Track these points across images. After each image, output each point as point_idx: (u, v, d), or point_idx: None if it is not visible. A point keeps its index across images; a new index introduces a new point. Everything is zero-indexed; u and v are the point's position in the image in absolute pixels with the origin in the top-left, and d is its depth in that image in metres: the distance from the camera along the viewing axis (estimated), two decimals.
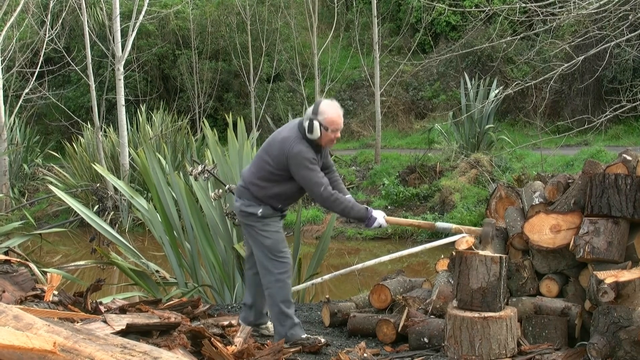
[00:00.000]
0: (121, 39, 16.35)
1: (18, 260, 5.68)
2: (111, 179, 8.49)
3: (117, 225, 15.10)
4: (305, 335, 4.84)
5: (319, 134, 4.70)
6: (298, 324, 4.84)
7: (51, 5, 18.12)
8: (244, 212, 4.83)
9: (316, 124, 4.68)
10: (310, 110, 4.78)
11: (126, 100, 17.42)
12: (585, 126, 11.12)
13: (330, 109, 4.76)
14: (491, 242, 4.76)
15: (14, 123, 19.92)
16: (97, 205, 15.49)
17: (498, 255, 4.35)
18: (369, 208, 4.85)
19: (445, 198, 14.44)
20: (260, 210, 4.76)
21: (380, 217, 4.81)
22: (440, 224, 5.22)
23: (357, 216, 4.81)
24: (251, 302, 5.09)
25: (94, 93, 16.62)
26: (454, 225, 5.18)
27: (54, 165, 18.74)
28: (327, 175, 4.91)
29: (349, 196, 4.94)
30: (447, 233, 5.70)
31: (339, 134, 4.84)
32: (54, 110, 21.96)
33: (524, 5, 9.44)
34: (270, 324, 5.14)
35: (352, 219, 4.86)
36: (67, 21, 21.28)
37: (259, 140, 18.92)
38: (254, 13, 20.71)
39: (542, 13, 9.13)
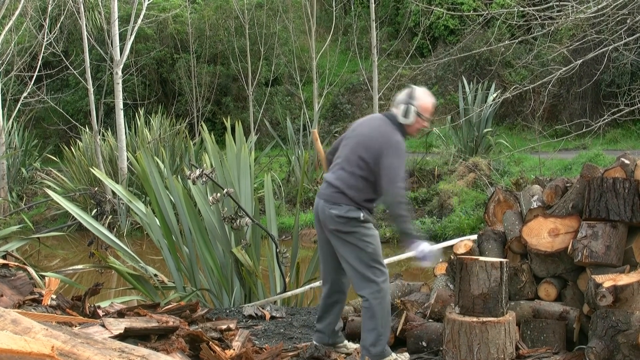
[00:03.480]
0: (119, 42, 16.37)
1: (16, 264, 5.67)
2: (109, 183, 8.49)
3: (115, 229, 15.09)
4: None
5: (413, 120, 4.61)
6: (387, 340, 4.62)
7: (49, 9, 18.14)
8: (343, 218, 4.49)
9: (412, 109, 4.59)
10: (402, 96, 4.67)
11: (124, 104, 17.44)
12: (584, 130, 11.15)
13: (426, 96, 4.69)
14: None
15: (12, 127, 19.93)
16: (95, 209, 15.48)
17: (499, 260, 4.34)
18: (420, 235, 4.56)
19: (444, 202, 14.44)
20: (362, 214, 4.51)
21: (426, 247, 4.46)
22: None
23: (408, 231, 4.49)
24: (323, 323, 4.83)
25: (92, 97, 16.62)
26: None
27: (52, 169, 18.74)
28: None
29: None
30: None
31: (427, 124, 4.75)
32: (52, 114, 21.98)
33: (522, 9, 9.46)
34: (347, 342, 4.92)
35: (401, 231, 4.50)
36: (66, 25, 21.31)
37: (257, 144, 18.99)
38: (252, 17, 20.73)
39: (540, 17, 9.15)
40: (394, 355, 4.56)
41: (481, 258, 4.38)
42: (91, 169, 10.38)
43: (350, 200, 4.52)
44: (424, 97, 4.66)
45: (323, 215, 4.61)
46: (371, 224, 4.60)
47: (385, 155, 4.47)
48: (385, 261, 6.06)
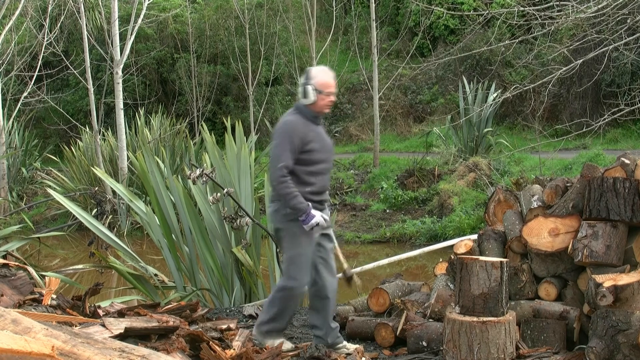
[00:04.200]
0: (120, 42, 16.36)
1: (16, 264, 5.67)
2: (110, 182, 8.48)
3: (115, 228, 15.09)
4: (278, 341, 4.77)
5: (314, 98, 4.74)
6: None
7: (50, 9, 18.14)
8: (274, 214, 4.80)
9: (309, 87, 4.74)
10: (302, 78, 4.86)
11: (125, 104, 17.43)
12: (584, 130, 11.13)
13: (322, 73, 4.85)
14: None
15: (12, 127, 19.94)
16: (96, 209, 15.47)
17: (499, 260, 4.33)
18: (310, 204, 4.63)
19: (444, 202, 14.44)
20: (289, 210, 4.66)
21: (318, 216, 4.62)
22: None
23: (296, 206, 4.58)
24: (320, 330, 4.92)
25: (92, 97, 16.62)
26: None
27: (53, 169, 18.74)
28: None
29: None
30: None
31: (334, 97, 4.86)
32: (53, 113, 21.98)
33: (522, 8, 9.45)
34: (347, 343, 4.97)
35: (291, 208, 4.60)
36: (66, 25, 21.31)
37: (258, 144, 19.00)
38: (252, 17, 20.72)
39: (540, 17, 9.14)
40: (277, 341, 4.74)
41: (481, 258, 4.38)
42: (92, 168, 10.37)
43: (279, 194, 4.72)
44: (319, 74, 4.82)
45: (267, 213, 4.97)
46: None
47: (274, 137, 4.75)
48: (385, 261, 6.05)
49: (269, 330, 4.80)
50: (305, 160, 4.67)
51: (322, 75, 4.80)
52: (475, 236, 5.65)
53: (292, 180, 4.62)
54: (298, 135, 4.64)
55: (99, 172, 8.87)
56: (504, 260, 4.34)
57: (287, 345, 4.85)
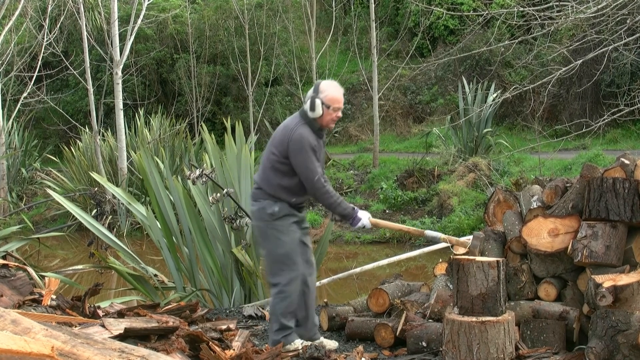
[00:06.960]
0: (119, 43, 16.36)
1: (16, 264, 5.67)
2: (109, 186, 8.47)
3: (115, 229, 15.08)
4: (301, 341, 4.85)
5: (321, 112, 4.70)
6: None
7: (49, 9, 18.14)
8: (260, 213, 4.79)
9: (318, 101, 4.68)
10: (310, 91, 4.79)
11: (124, 105, 17.43)
12: (583, 130, 11.15)
13: (331, 88, 4.77)
14: (478, 255, 4.86)
15: (12, 127, 19.94)
16: (95, 210, 15.47)
17: (495, 259, 4.33)
18: (355, 208, 4.84)
19: (444, 202, 14.45)
20: (277, 208, 4.73)
21: (365, 218, 4.84)
22: (429, 233, 5.29)
23: (343, 213, 4.79)
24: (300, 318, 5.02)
25: (92, 97, 16.62)
26: (442, 235, 5.27)
27: (52, 170, 18.74)
28: None
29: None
30: (436, 241, 5.63)
31: (340, 114, 4.84)
32: (52, 114, 21.97)
33: (522, 9, 9.46)
34: (324, 340, 5.09)
35: (337, 215, 4.83)
36: (66, 25, 21.31)
37: (257, 144, 19.01)
38: (252, 17, 20.72)
39: (540, 17, 9.15)
40: (297, 343, 4.79)
41: (478, 258, 4.37)
42: (91, 174, 10.35)
43: (266, 194, 4.75)
44: (329, 89, 4.75)
45: (249, 212, 5.07)
46: (290, 218, 4.76)
47: (291, 154, 4.68)
48: (385, 261, 6.08)
49: (281, 337, 4.82)
50: None
51: (331, 90, 4.75)
52: None
53: (282, 190, 4.71)
54: (312, 147, 4.69)
55: (98, 177, 8.86)
56: (500, 259, 4.34)
57: (333, 344, 5.01)
